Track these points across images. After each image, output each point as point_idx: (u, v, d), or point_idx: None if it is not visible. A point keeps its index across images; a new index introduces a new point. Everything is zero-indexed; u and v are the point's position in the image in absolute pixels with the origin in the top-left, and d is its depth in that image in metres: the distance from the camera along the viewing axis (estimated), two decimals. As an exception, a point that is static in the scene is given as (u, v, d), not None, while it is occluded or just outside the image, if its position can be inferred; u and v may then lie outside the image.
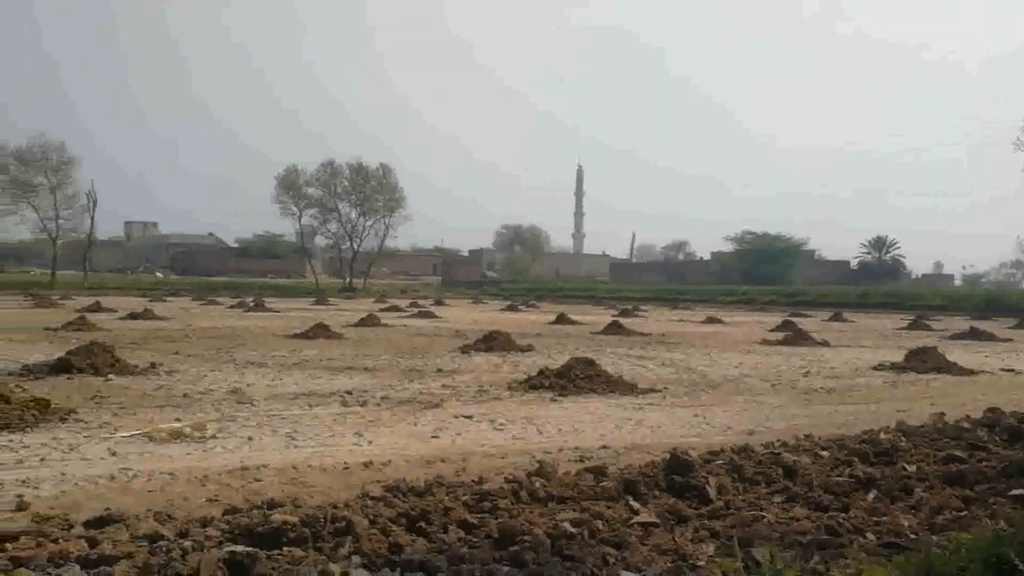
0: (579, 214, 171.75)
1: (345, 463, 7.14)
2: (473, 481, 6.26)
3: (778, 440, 7.99)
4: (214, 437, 8.18)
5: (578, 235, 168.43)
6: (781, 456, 6.84)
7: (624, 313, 41.24)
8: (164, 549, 4.44)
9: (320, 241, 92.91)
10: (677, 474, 6.10)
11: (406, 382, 12.93)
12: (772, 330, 29.34)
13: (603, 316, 37.84)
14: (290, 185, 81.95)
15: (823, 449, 7.38)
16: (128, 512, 5.22)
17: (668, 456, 6.42)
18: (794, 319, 35.47)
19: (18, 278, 75.78)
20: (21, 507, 5.56)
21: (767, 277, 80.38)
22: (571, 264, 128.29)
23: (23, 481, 6.27)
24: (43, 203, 75.36)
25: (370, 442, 8.15)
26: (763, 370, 15.72)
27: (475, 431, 8.92)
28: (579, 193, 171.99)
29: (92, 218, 78.91)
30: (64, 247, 79.26)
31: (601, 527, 5.00)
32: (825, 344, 22.86)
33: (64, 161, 75.36)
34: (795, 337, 23.72)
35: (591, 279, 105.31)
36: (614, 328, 27.05)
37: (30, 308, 38.58)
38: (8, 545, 4.55)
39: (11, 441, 7.74)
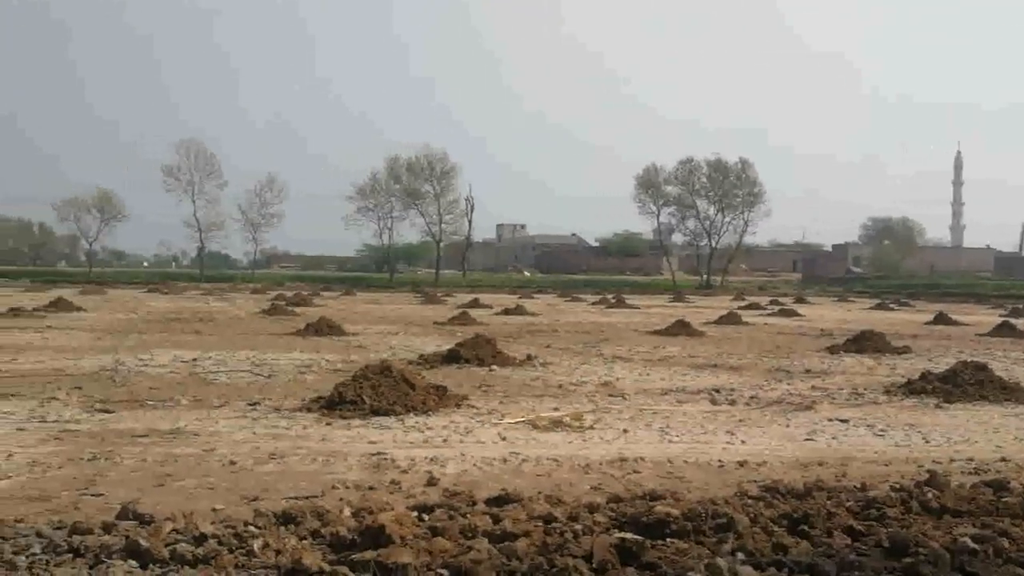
0: (957, 203, 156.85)
1: (719, 460, 7.18)
2: (855, 487, 6.03)
3: None
4: (591, 428, 8.60)
5: (956, 227, 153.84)
6: None
7: (1015, 312, 37.06)
8: (558, 531, 4.77)
9: (677, 238, 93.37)
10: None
11: (773, 382, 12.67)
12: None
13: (989, 316, 34.36)
14: (649, 184, 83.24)
15: None
16: (522, 493, 5.64)
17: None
18: None
19: (409, 277, 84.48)
20: (432, 482, 6.24)
21: None
22: (948, 258, 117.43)
23: (431, 459, 7.03)
24: (429, 209, 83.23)
25: (743, 441, 8.12)
26: None
27: (852, 436, 8.54)
28: (957, 182, 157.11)
29: (470, 221, 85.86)
30: (446, 248, 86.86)
31: (1007, 545, 4.60)
32: None
33: (447, 170, 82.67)
34: None
35: (972, 275, 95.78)
36: (1005, 329, 24.43)
37: (420, 304, 42.78)
38: (425, 516, 5.14)
39: (417, 422, 8.69)
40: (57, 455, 6.97)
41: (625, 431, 8.46)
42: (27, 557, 4.32)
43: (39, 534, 4.69)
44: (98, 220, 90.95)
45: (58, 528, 4.79)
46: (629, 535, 4.55)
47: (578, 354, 16.52)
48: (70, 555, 4.36)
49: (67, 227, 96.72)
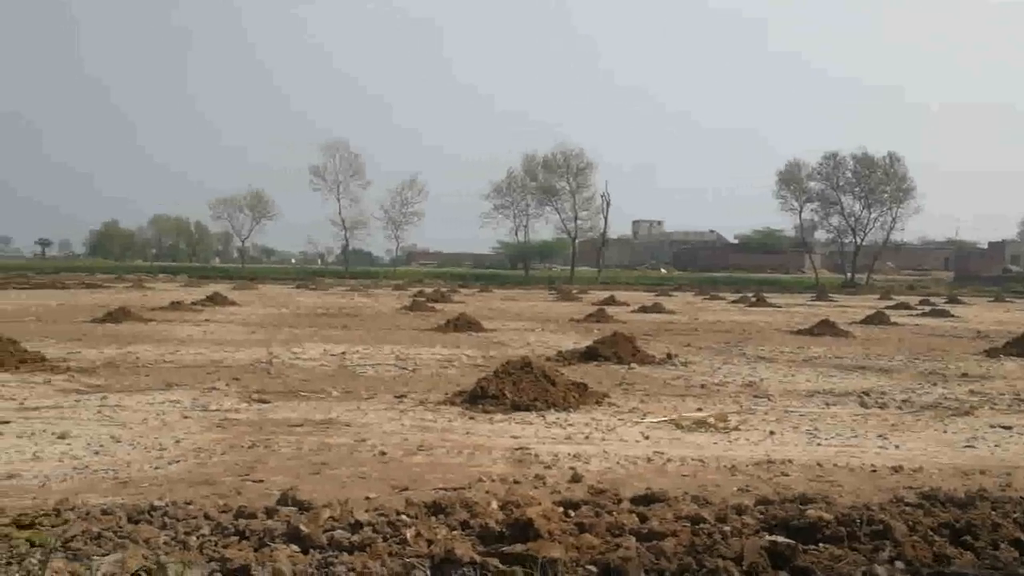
0: None
1: (872, 465, 6.93)
2: (1022, 498, 5.70)
3: None
4: (736, 429, 8.44)
5: None
6: None
7: None
8: (706, 532, 4.71)
9: (820, 235, 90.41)
10: None
11: (927, 385, 12.11)
12: None
13: None
14: (791, 179, 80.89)
15: None
16: (668, 493, 5.60)
17: None
18: None
19: (544, 274, 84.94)
20: (576, 479, 6.27)
21: None
22: None
23: (575, 455, 7.06)
24: (564, 205, 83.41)
25: (896, 446, 7.80)
26: None
27: (1017, 443, 8.08)
28: None
29: (606, 218, 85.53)
30: (581, 245, 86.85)
31: None
32: None
33: (583, 166, 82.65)
34: None
35: None
36: None
37: (555, 301, 42.92)
38: (570, 512, 5.17)
39: (559, 419, 8.74)
40: (220, 442, 7.36)
41: (771, 433, 8.27)
42: (198, 537, 4.58)
43: (207, 516, 4.97)
44: (249, 219, 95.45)
45: (224, 511, 5.06)
46: (780, 538, 4.46)
47: (719, 353, 16.23)
48: (236, 537, 4.59)
49: (221, 225, 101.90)
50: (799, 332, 22.14)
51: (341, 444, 7.39)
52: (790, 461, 7.00)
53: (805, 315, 30.19)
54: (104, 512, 4.95)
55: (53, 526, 4.69)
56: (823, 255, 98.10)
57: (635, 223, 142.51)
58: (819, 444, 7.81)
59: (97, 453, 6.82)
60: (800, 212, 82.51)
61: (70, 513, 4.90)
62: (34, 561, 4.08)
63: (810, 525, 4.74)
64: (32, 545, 4.28)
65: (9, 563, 4.19)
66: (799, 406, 9.99)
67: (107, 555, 4.32)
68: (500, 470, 6.56)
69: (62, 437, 7.34)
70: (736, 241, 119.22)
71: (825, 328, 21.94)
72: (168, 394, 9.85)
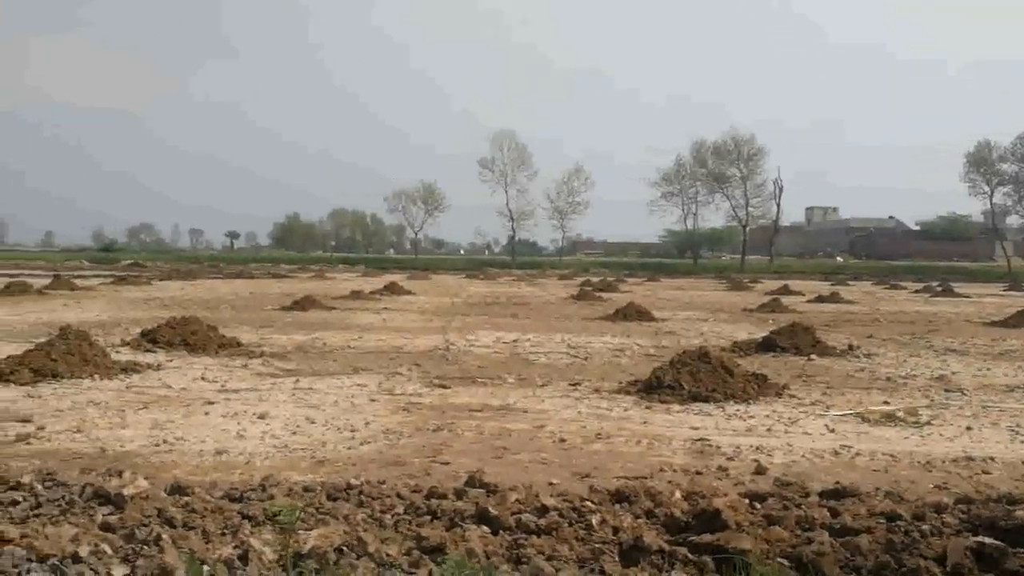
0: None
1: (1086, 466, 6.45)
2: None
3: None
4: (928, 423, 8.04)
5: None
6: None
7: None
8: (902, 529, 4.52)
9: (1014, 221, 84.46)
10: None
11: None
12: None
13: None
14: (981, 162, 75.92)
15: None
16: (858, 488, 5.40)
17: None
18: None
19: (713, 263, 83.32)
20: (760, 471, 6.15)
21: None
22: None
23: (757, 448, 6.92)
24: (735, 192, 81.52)
25: (1114, 446, 7.22)
26: None
27: None
28: None
29: (778, 205, 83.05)
30: (751, 233, 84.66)
31: None
32: None
33: (754, 152, 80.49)
34: None
35: None
36: None
37: (726, 291, 42.06)
38: (756, 504, 5.08)
39: (738, 410, 8.58)
40: (406, 425, 7.64)
41: (968, 428, 7.82)
42: (392, 516, 4.78)
43: (399, 495, 5.18)
44: (422, 211, 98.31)
45: (415, 492, 5.26)
46: (988, 540, 4.22)
47: (904, 345, 15.47)
48: (428, 517, 4.77)
49: (395, 217, 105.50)
50: (993, 324, 20.81)
51: (520, 430, 7.53)
52: (992, 459, 6.60)
53: (998, 306, 28.35)
54: (305, 489, 5.25)
55: (260, 500, 5.01)
56: (1016, 242, 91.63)
57: (808, 210, 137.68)
58: (1023, 442, 7.33)
59: (294, 433, 7.23)
60: (991, 197, 77.43)
61: (275, 489, 5.21)
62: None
63: (1019, 527, 4.47)
64: (273, 517, 4.58)
65: (224, 533, 4.51)
66: (998, 401, 9.39)
67: (311, 530, 4.59)
68: (681, 461, 6.51)
69: (262, 417, 7.82)
70: (918, 228, 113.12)
71: (1022, 319, 20.51)
72: (355, 378, 10.30)
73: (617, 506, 5.01)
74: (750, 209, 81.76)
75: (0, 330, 15.28)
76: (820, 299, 31.02)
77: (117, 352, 11.64)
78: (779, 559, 4.11)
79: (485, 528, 4.55)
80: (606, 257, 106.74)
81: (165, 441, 6.83)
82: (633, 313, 20.98)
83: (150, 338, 12.93)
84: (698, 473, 6.09)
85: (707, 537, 4.30)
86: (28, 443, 6.72)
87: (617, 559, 4.18)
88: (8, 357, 10.06)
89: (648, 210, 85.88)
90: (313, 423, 7.64)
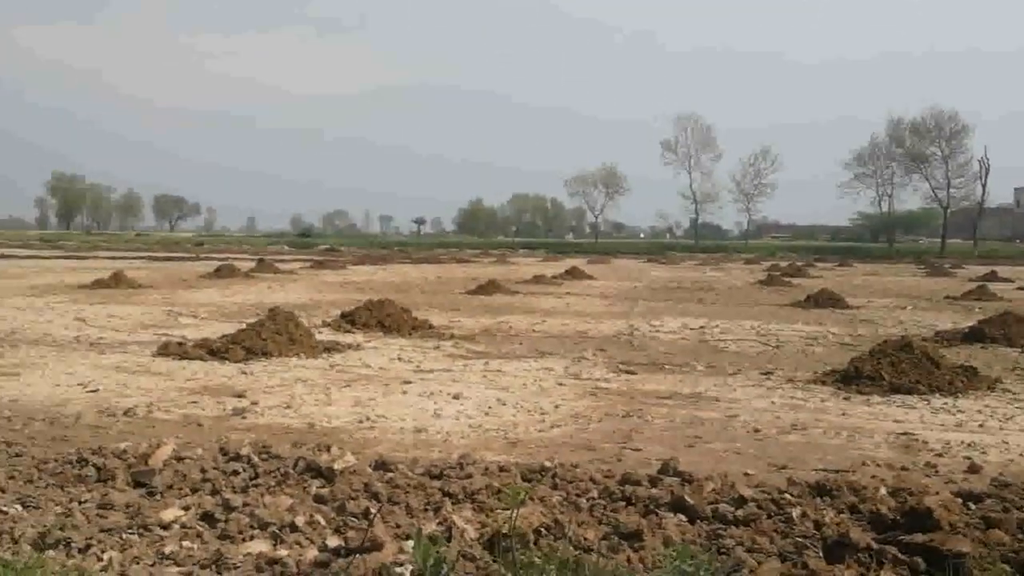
0: None
1: None
2: None
3: None
4: None
5: None
6: None
7: None
8: None
9: None
10: None
11: None
12: None
13: None
14: None
15: None
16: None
17: None
18: None
19: (909, 247, 78.88)
20: (973, 469, 5.78)
21: None
22: None
23: (968, 444, 6.52)
24: (935, 173, 76.78)
25: None
26: None
27: None
28: None
29: (983, 185, 77.51)
30: (952, 216, 79.49)
31: None
32: None
33: (957, 130, 75.46)
34: None
35: None
36: None
37: (924, 277, 39.75)
38: (971, 504, 4.77)
39: (946, 404, 8.11)
40: (595, 410, 7.68)
41: None
42: (587, 500, 4.82)
43: (593, 480, 5.20)
44: (603, 194, 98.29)
45: (607, 477, 5.27)
46: None
47: None
48: (623, 503, 4.77)
49: (575, 201, 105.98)
50: None
51: (712, 418, 7.41)
52: None
53: None
54: (501, 469, 5.37)
55: (458, 478, 5.16)
56: None
57: (1017, 191, 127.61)
58: None
59: (487, 414, 7.41)
60: None
61: (472, 468, 5.36)
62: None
63: None
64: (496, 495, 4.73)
65: (426, 509, 4.69)
66: None
67: (507, 510, 4.69)
68: (884, 455, 6.22)
69: (456, 397, 8.06)
70: None
71: None
72: (542, 362, 10.45)
73: (818, 499, 4.85)
74: (951, 190, 76.73)
75: (213, 311, 16.45)
76: (1033, 287, 28.81)
77: (319, 332, 12.28)
78: (1001, 564, 3.86)
79: (681, 516, 4.52)
80: (793, 241, 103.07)
81: (367, 418, 7.17)
82: (825, 299, 20.19)
83: (349, 319, 13.57)
84: (904, 469, 5.79)
85: (919, 537, 4.08)
86: (244, 417, 7.21)
87: (821, 555, 4.05)
88: (223, 336, 10.83)
89: (839, 192, 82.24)
90: (504, 405, 7.81)
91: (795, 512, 4.54)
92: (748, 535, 4.27)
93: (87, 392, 8.11)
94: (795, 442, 6.63)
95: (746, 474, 5.53)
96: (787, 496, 4.83)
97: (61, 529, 4.11)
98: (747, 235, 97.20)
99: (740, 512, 4.54)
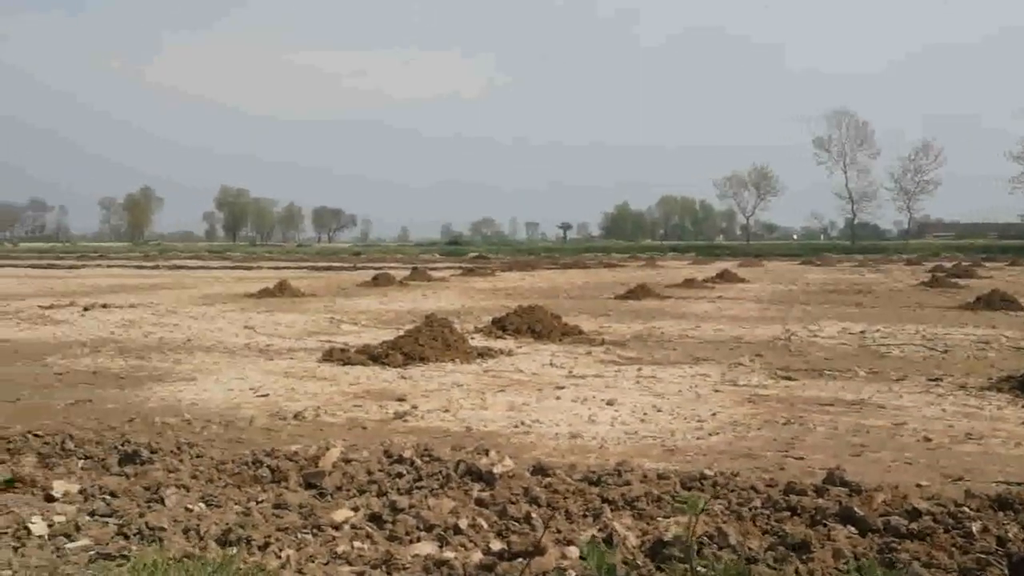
0: None
1: None
2: None
3: None
4: None
5: None
6: None
7: None
8: None
9: None
10: None
11: None
12: None
13: None
14: None
15: None
16: None
17: None
18: None
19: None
20: None
21: None
22: None
23: None
24: None
25: None
26: None
27: None
28: None
29: None
30: None
31: None
32: None
33: None
34: None
35: None
36: None
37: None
38: None
39: None
40: (754, 417, 7.51)
41: None
42: (750, 509, 4.72)
43: (755, 489, 5.09)
44: (754, 195, 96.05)
45: (770, 486, 5.14)
46: None
47: None
48: (787, 512, 4.65)
49: (726, 203, 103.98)
50: None
51: (878, 426, 7.11)
52: None
53: None
54: (659, 476, 5.32)
55: (617, 485, 5.16)
56: None
57: None
58: None
59: (642, 420, 7.37)
60: None
61: (630, 475, 5.34)
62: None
63: None
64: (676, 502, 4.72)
65: (585, 515, 4.71)
66: None
67: (668, 518, 4.66)
68: (1072, 467, 5.82)
69: (610, 403, 8.05)
70: None
71: None
72: (697, 368, 10.29)
73: (1000, 514, 4.59)
74: None
75: (372, 318, 17.01)
76: None
77: (472, 338, 12.50)
78: None
79: (851, 528, 4.36)
80: (958, 239, 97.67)
81: (523, 423, 7.25)
82: (997, 301, 19.02)
83: (500, 325, 13.77)
84: (1096, 483, 5.40)
85: (1116, 559, 3.81)
86: (405, 420, 7.43)
87: (1006, 572, 3.83)
88: (383, 342, 11.19)
89: (1008, 187, 77.43)
90: (659, 411, 7.74)
91: (975, 526, 4.32)
92: (924, 549, 4.08)
93: (258, 396, 8.54)
94: (971, 452, 6.28)
95: (918, 485, 5.28)
96: (965, 509, 4.59)
97: (242, 527, 4.35)
98: (908, 235, 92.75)
99: (914, 525, 4.35)
